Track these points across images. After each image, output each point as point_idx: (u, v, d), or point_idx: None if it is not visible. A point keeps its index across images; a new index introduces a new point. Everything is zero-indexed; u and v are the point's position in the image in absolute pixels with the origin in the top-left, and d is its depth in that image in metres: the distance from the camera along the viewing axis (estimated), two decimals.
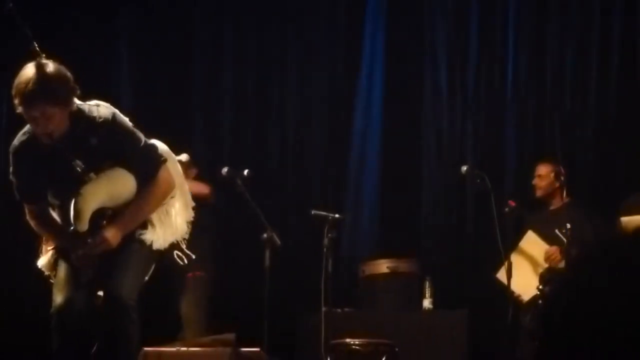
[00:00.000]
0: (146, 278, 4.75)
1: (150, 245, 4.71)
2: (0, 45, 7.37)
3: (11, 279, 7.66)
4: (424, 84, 8.40)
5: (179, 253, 4.84)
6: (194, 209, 4.97)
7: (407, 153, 8.35)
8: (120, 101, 6.13)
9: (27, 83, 4.33)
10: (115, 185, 4.59)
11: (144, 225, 4.73)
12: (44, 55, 4.43)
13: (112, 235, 4.57)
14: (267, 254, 6.77)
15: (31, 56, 4.45)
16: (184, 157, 6.36)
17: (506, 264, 6.64)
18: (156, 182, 4.66)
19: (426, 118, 8.37)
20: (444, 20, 8.36)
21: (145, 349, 5.86)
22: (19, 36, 4.60)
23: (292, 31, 8.63)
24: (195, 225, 4.98)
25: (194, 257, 5.99)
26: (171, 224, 4.81)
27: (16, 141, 4.64)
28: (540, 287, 6.71)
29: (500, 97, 8.23)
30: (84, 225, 4.51)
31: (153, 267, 4.79)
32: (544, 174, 7.24)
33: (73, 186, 4.49)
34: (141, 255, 4.71)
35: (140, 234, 4.70)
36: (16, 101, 4.39)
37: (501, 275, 6.82)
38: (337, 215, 7.03)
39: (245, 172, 6.94)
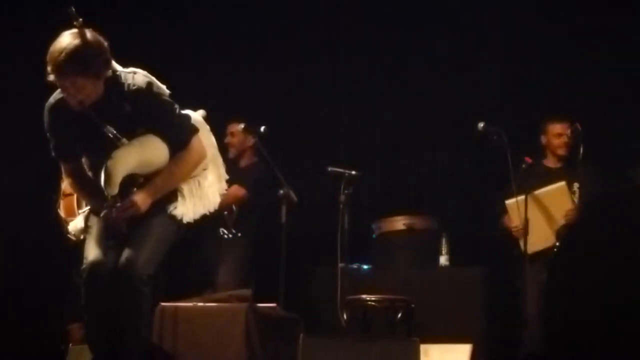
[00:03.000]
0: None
1: (181, 219, 4.73)
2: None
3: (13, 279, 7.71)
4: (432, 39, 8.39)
5: (224, 230, 4.85)
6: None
7: (424, 108, 8.33)
8: None
9: (60, 52, 4.33)
10: (146, 152, 4.60)
11: (175, 196, 4.74)
12: (81, 20, 4.42)
13: (141, 199, 4.59)
14: (284, 210, 6.79)
15: (69, 22, 4.43)
16: (200, 112, 6.36)
17: (524, 199, 6.66)
18: (188, 151, 4.68)
19: (442, 74, 8.35)
20: None
21: (163, 304, 5.89)
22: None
23: None
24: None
25: (239, 234, 6.05)
26: (202, 195, 4.83)
27: (52, 99, 4.66)
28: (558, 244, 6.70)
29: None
30: (114, 189, 4.52)
31: (178, 236, 4.80)
32: (565, 132, 7.20)
33: (105, 150, 4.51)
34: (167, 230, 4.72)
35: (171, 210, 4.71)
36: (48, 69, 4.39)
37: (512, 206, 6.81)
38: (353, 172, 7.02)
39: (262, 128, 6.94)
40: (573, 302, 1.45)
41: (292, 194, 6.79)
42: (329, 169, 7.07)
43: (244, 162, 7.55)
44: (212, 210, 4.88)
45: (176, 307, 6.01)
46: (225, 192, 5.06)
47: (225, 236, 7.17)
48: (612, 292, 1.43)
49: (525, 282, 6.74)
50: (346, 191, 6.92)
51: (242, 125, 7.01)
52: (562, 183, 6.93)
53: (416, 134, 8.34)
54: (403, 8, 8.53)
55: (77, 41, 4.35)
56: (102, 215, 4.61)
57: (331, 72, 8.56)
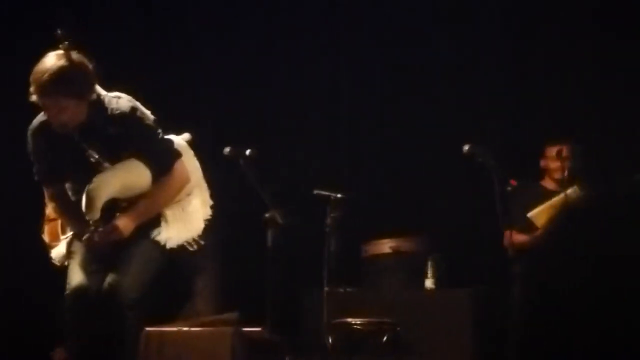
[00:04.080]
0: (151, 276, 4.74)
1: (164, 245, 4.72)
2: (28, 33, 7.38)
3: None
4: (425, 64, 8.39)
5: (190, 241, 4.84)
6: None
7: (409, 131, 8.33)
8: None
9: (43, 72, 4.34)
10: (129, 176, 4.60)
11: (158, 222, 4.73)
12: (67, 43, 4.41)
13: (124, 224, 4.58)
14: (270, 233, 6.78)
15: (56, 43, 4.43)
16: (185, 136, 6.34)
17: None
18: (171, 176, 4.68)
19: (428, 96, 8.36)
20: None
21: (148, 329, 5.87)
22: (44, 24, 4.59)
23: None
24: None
25: (202, 243, 6.01)
26: (187, 220, 4.82)
27: (35, 121, 4.66)
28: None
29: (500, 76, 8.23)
30: (96, 214, 4.52)
31: (164, 261, 4.79)
32: (561, 155, 7.23)
33: (87, 174, 4.51)
34: (151, 255, 4.71)
35: (155, 235, 4.70)
36: (31, 89, 4.39)
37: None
38: (339, 195, 7.03)
39: (248, 151, 6.93)
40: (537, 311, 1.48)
41: (278, 217, 6.78)
42: (315, 192, 7.07)
43: None
44: (196, 235, 4.87)
45: (162, 332, 5.99)
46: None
47: (190, 248, 7.09)
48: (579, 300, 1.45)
49: (513, 303, 6.74)
50: (332, 214, 6.93)
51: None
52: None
53: (402, 156, 8.34)
54: (391, 32, 8.54)
55: (61, 62, 4.36)
56: (84, 240, 4.60)
57: (318, 94, 8.56)
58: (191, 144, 6.14)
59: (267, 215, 6.79)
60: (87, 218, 4.54)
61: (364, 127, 8.47)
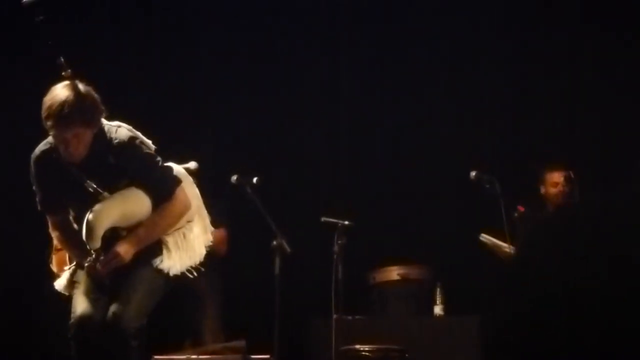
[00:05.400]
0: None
1: (167, 272, 4.73)
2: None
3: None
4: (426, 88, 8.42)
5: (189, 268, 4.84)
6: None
7: (416, 158, 8.35)
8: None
9: (62, 105, 4.35)
10: (128, 205, 4.61)
11: (160, 250, 4.74)
12: (69, 71, 4.45)
13: (124, 250, 4.59)
14: (277, 261, 6.78)
15: (58, 73, 4.46)
16: (192, 164, 6.36)
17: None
18: (171, 202, 4.69)
19: (434, 123, 8.38)
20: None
21: (156, 357, 5.87)
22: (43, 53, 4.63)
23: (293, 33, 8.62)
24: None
25: (203, 269, 6.03)
26: (188, 248, 4.83)
27: (37, 150, 4.67)
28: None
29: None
30: (96, 243, 4.54)
31: (167, 292, 4.80)
32: (561, 181, 7.24)
33: (88, 203, 4.52)
34: (155, 283, 4.71)
35: (157, 263, 4.70)
36: (49, 123, 4.40)
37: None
38: (346, 222, 7.04)
39: (255, 179, 6.94)
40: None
41: (286, 245, 6.79)
42: (323, 219, 7.08)
43: None
44: (197, 262, 4.88)
45: None
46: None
47: (190, 275, 7.14)
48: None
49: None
50: (340, 241, 6.93)
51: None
52: None
53: (410, 183, 8.34)
54: (391, 52, 8.57)
55: (74, 93, 4.39)
56: (85, 268, 4.61)
57: (323, 122, 8.58)
58: (197, 172, 6.18)
59: (274, 243, 6.80)
60: (88, 247, 4.56)
61: (371, 154, 8.48)
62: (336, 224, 7.03)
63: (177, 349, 6.26)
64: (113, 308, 4.57)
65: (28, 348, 7.46)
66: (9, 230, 7.60)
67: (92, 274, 4.60)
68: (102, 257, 4.58)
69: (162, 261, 4.74)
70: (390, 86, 8.55)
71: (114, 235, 4.64)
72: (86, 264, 4.62)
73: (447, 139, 8.32)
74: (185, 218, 4.83)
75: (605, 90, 8.00)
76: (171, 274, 4.76)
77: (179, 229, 4.82)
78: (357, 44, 8.63)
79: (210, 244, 5.01)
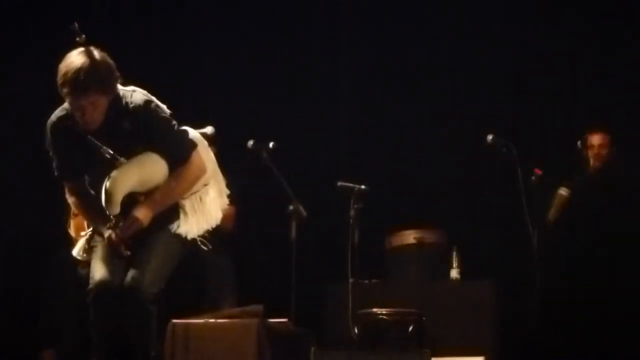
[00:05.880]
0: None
1: (185, 237, 4.74)
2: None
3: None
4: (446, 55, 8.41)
5: (202, 239, 4.85)
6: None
7: (433, 123, 8.34)
8: None
9: (77, 72, 4.33)
10: (146, 170, 4.61)
11: (177, 214, 4.74)
12: (84, 36, 4.44)
13: (143, 214, 4.59)
14: (294, 225, 6.81)
15: (72, 39, 4.45)
16: (209, 129, 6.37)
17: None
18: (188, 166, 4.68)
19: (451, 88, 8.37)
20: None
21: (174, 321, 5.91)
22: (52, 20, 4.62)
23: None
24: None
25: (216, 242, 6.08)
26: (205, 211, 4.83)
27: (53, 117, 4.66)
28: None
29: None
30: (116, 209, 4.54)
31: (184, 253, 4.81)
32: (600, 143, 7.30)
33: (105, 169, 4.53)
34: (172, 248, 4.72)
35: (175, 228, 4.72)
36: (65, 90, 4.38)
37: None
38: (363, 187, 7.05)
39: (271, 144, 6.95)
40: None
41: (302, 209, 6.81)
42: (339, 184, 7.10)
43: None
44: (214, 225, 4.88)
45: (187, 324, 6.02)
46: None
47: (204, 247, 7.15)
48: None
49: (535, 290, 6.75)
50: (356, 206, 6.95)
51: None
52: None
53: (426, 147, 8.34)
54: (406, 22, 8.54)
55: (90, 58, 4.37)
56: (106, 237, 4.62)
57: (339, 86, 8.58)
58: (213, 137, 6.19)
59: (290, 207, 6.83)
60: (107, 213, 4.56)
61: (387, 119, 8.47)
62: (352, 188, 7.05)
63: (194, 313, 6.29)
64: (131, 273, 4.58)
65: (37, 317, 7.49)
66: (27, 196, 7.63)
67: (112, 240, 4.61)
68: (121, 224, 4.60)
69: (179, 226, 4.75)
70: (403, 48, 8.52)
71: (131, 200, 4.64)
72: (106, 231, 4.63)
73: (463, 102, 8.31)
74: (201, 182, 4.83)
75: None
76: (189, 237, 4.77)
77: (195, 192, 4.82)
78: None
79: (227, 206, 5.01)
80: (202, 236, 4.86)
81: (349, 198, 7.04)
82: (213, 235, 4.94)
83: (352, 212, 6.97)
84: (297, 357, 6.04)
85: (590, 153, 7.34)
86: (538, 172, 6.86)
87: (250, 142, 7.03)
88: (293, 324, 6.30)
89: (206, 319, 6.15)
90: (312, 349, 5.77)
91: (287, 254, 6.79)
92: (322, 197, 7.62)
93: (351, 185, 7.07)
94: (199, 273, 7.37)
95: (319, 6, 8.64)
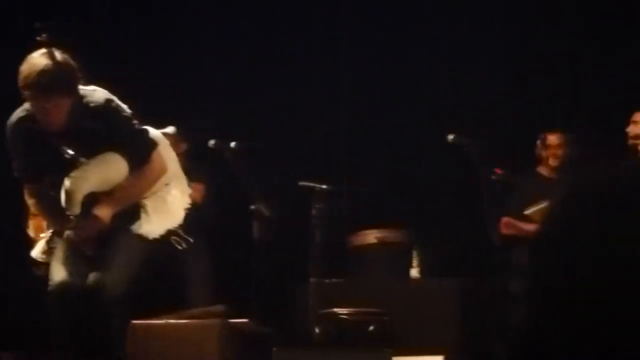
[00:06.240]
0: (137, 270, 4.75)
1: (146, 237, 4.72)
2: None
3: None
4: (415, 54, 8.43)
5: (177, 238, 4.84)
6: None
7: (394, 122, 8.36)
8: None
9: (40, 74, 4.30)
10: (106, 170, 4.60)
11: (138, 214, 4.73)
12: (45, 35, 4.40)
13: (103, 213, 4.58)
14: (256, 225, 6.80)
15: (34, 40, 4.41)
16: (170, 129, 6.36)
17: None
18: (148, 165, 4.68)
19: (414, 88, 8.39)
20: None
21: (134, 322, 5.87)
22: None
23: None
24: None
25: (192, 240, 6.06)
26: (167, 210, 4.82)
27: (14, 117, 4.63)
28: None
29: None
30: (76, 209, 4.53)
31: (148, 257, 4.79)
32: (559, 143, 7.31)
33: (64, 171, 4.51)
34: (135, 250, 4.71)
35: (136, 229, 4.70)
36: (27, 92, 4.36)
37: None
38: (324, 187, 7.06)
39: (233, 144, 6.94)
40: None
41: (264, 209, 6.80)
42: (301, 183, 7.10)
43: None
44: (177, 225, 4.87)
45: (148, 325, 5.99)
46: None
47: (179, 246, 7.13)
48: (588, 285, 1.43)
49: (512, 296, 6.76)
50: (318, 205, 6.96)
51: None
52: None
53: (388, 146, 8.36)
54: (377, 21, 8.56)
55: (53, 61, 4.35)
56: (65, 237, 4.60)
57: (303, 85, 8.58)
58: (175, 136, 6.17)
59: (253, 207, 6.82)
60: (67, 213, 4.54)
61: (348, 118, 8.49)
62: (314, 188, 7.05)
63: (160, 313, 6.27)
64: (95, 276, 4.57)
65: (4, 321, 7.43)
66: None
67: (73, 241, 4.59)
68: (81, 223, 4.57)
69: (141, 226, 4.73)
70: (371, 47, 8.54)
71: (92, 200, 4.63)
72: (66, 231, 4.61)
73: (425, 101, 8.33)
74: (162, 181, 4.82)
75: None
76: (150, 237, 4.76)
77: (156, 192, 4.81)
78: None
79: (189, 205, 5.00)
80: (178, 235, 4.85)
81: (311, 198, 7.05)
82: (191, 225, 4.94)
83: (314, 212, 6.97)
84: (259, 357, 6.03)
85: (548, 153, 7.35)
86: (498, 171, 6.88)
87: (212, 142, 7.01)
88: (255, 323, 6.29)
89: (167, 320, 6.13)
90: (274, 349, 5.76)
91: (250, 253, 6.78)
92: (284, 197, 7.62)
93: (313, 184, 7.08)
94: (175, 274, 7.37)
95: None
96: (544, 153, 7.37)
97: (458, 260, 7.64)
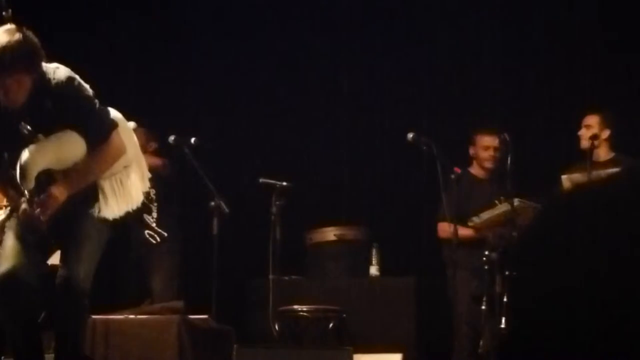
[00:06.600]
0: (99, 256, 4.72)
1: (105, 219, 4.68)
2: None
3: None
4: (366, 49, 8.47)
5: (151, 232, 4.80)
6: (150, 180, 4.94)
7: (354, 118, 8.39)
8: None
9: (3, 51, 4.26)
10: (63, 147, 4.55)
11: (96, 197, 4.69)
12: (10, 11, 4.36)
13: (59, 191, 4.52)
14: (215, 221, 6.79)
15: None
16: (131, 124, 6.31)
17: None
18: (107, 145, 4.62)
19: (372, 84, 8.43)
20: None
21: (94, 316, 5.84)
22: None
23: None
24: (157, 201, 4.88)
25: (165, 234, 6.05)
26: (125, 193, 4.78)
27: None
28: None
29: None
30: (30, 184, 4.47)
31: (108, 238, 4.76)
32: (493, 145, 7.27)
33: (21, 146, 4.46)
34: (97, 236, 4.67)
35: (96, 212, 4.66)
36: None
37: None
38: (284, 183, 7.06)
39: (193, 140, 6.92)
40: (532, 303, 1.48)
41: (224, 206, 6.79)
42: (261, 180, 7.10)
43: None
44: (135, 207, 4.83)
45: (107, 320, 5.98)
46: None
47: (153, 240, 7.11)
48: (575, 293, 1.45)
49: (455, 291, 6.80)
50: (278, 202, 6.96)
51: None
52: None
53: (347, 144, 8.39)
54: (335, 21, 8.59)
55: (15, 38, 4.31)
56: (20, 212, 4.55)
57: (262, 82, 8.58)
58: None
59: (212, 203, 6.80)
60: (22, 188, 4.50)
61: (308, 115, 8.50)
62: (274, 185, 7.05)
63: (123, 308, 6.26)
64: (64, 270, 4.52)
65: None
66: None
67: (26, 217, 4.54)
68: (36, 199, 4.52)
69: (99, 209, 4.69)
70: (328, 45, 8.56)
71: (48, 179, 4.57)
72: (21, 208, 4.55)
73: (385, 100, 8.37)
74: (121, 163, 4.76)
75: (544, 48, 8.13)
76: (110, 218, 4.71)
77: (115, 174, 4.76)
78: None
79: (148, 190, 4.97)
80: (151, 228, 4.82)
81: (270, 194, 7.05)
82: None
83: (273, 209, 6.96)
84: (217, 353, 6.03)
85: (486, 155, 7.35)
86: (457, 170, 6.92)
87: (172, 138, 7.00)
88: (214, 320, 6.28)
89: (126, 315, 6.10)
90: (235, 346, 5.75)
91: (209, 249, 6.76)
92: (243, 193, 7.62)
93: (273, 181, 7.08)
94: (144, 269, 7.34)
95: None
96: (478, 154, 7.36)
97: (417, 257, 7.67)
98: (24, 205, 4.53)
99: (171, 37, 8.60)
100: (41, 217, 4.51)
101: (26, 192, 4.51)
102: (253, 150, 8.37)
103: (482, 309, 6.43)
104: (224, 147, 8.18)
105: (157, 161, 7.15)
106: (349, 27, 8.56)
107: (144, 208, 7.26)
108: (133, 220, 5.08)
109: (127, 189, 4.78)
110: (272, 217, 6.97)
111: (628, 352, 1.42)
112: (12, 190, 4.63)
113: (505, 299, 6.24)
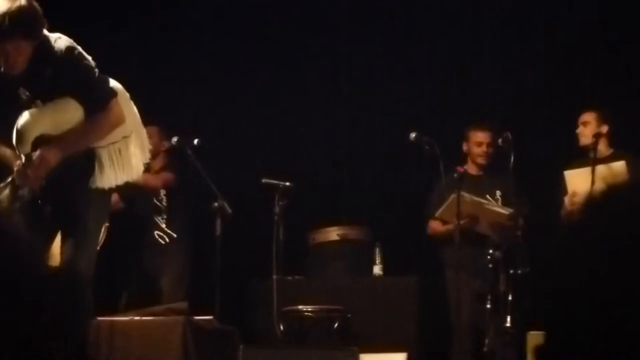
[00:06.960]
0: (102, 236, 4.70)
1: (102, 189, 4.66)
2: None
3: None
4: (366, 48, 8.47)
5: (160, 233, 4.79)
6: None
7: (357, 118, 8.40)
8: None
9: (3, 17, 4.25)
10: (61, 113, 4.54)
11: (92, 167, 4.65)
12: None
13: (52, 153, 4.49)
14: (218, 222, 6.78)
15: None
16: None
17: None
18: (105, 113, 4.59)
19: (374, 84, 8.43)
20: None
21: (99, 318, 5.83)
22: None
23: None
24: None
25: (175, 235, 6.03)
26: (124, 163, 4.74)
27: None
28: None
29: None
30: (26, 148, 4.47)
31: (108, 210, 4.75)
32: (486, 141, 7.28)
33: (19, 111, 4.46)
34: (97, 216, 4.65)
35: (93, 184, 4.63)
36: None
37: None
38: (287, 184, 7.05)
39: (195, 141, 6.92)
40: (571, 301, 1.47)
41: (227, 206, 6.79)
42: (263, 180, 7.09)
43: (156, 166, 7.36)
44: (134, 178, 4.82)
45: (112, 321, 5.96)
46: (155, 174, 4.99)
47: (162, 241, 7.13)
48: (610, 293, 1.45)
49: (458, 291, 6.79)
50: (280, 203, 6.95)
51: (155, 128, 6.84)
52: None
53: (350, 144, 8.39)
54: (335, 21, 8.59)
55: (16, 4, 4.30)
56: (15, 173, 4.53)
57: (263, 83, 8.57)
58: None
59: (215, 204, 6.80)
60: (18, 152, 4.48)
61: (311, 116, 8.50)
62: (277, 185, 7.05)
63: (126, 309, 6.25)
64: (67, 256, 4.49)
65: None
66: None
67: (20, 179, 4.52)
68: (28, 162, 4.50)
69: (96, 179, 4.66)
70: (329, 46, 8.56)
71: (45, 143, 4.55)
72: (15, 170, 4.53)
73: (385, 100, 8.37)
74: (120, 132, 4.73)
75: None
76: (106, 187, 4.69)
77: (114, 143, 4.73)
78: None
79: (148, 161, 4.96)
80: (161, 229, 4.81)
81: (273, 195, 7.04)
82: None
83: (276, 209, 6.96)
84: (222, 354, 6.02)
85: (479, 150, 7.33)
86: (460, 169, 6.92)
87: (174, 139, 7.00)
88: (218, 321, 6.27)
89: (131, 316, 6.09)
90: (241, 346, 5.75)
91: (212, 250, 6.76)
92: (246, 194, 7.61)
93: (276, 182, 7.07)
94: (153, 270, 7.33)
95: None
96: (471, 150, 7.36)
97: (420, 257, 7.67)
98: (17, 168, 4.51)
99: (172, 37, 8.59)
100: (36, 182, 4.48)
101: (22, 156, 4.49)
102: (255, 150, 8.36)
103: (486, 308, 6.45)
104: (225, 148, 8.18)
105: (169, 178, 7.18)
106: (349, 27, 8.57)
107: (154, 209, 7.28)
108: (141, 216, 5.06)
109: (126, 158, 4.74)
110: (275, 217, 6.96)
111: (628, 352, 1.43)
112: (8, 154, 4.62)
113: (510, 298, 6.26)
